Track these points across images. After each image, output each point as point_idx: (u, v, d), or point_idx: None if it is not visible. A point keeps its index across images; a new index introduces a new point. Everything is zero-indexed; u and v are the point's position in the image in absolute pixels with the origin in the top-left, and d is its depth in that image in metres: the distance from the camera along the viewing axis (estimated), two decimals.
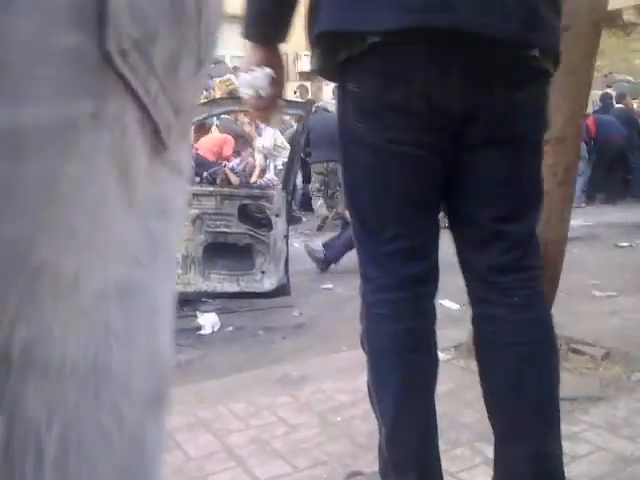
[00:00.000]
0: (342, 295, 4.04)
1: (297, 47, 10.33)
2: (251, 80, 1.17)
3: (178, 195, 0.38)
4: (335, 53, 1.13)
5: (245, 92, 1.19)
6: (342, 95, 1.18)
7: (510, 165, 1.17)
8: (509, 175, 1.18)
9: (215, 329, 3.47)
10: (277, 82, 1.20)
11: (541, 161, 1.24)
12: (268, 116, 1.28)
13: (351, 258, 5.23)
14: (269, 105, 1.22)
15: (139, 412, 0.34)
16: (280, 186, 4.11)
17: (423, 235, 1.22)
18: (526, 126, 1.16)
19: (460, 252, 1.26)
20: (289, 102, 4.02)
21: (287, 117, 7.24)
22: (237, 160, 7.52)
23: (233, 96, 4.80)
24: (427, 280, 1.23)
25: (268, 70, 1.17)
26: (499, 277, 1.21)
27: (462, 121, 1.12)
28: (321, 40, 1.13)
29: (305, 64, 12.02)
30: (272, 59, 1.20)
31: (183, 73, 0.35)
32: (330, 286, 4.40)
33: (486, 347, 1.25)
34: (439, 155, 1.16)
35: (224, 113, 5.36)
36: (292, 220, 5.21)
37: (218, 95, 7.44)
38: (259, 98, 1.19)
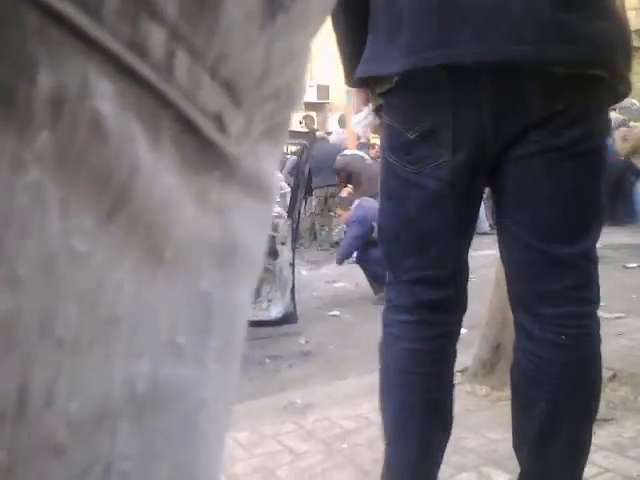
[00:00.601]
0: (349, 322, 4.04)
1: None
2: (358, 120, 1.38)
3: (254, 230, 0.25)
4: (374, 91, 1.25)
5: (358, 129, 1.41)
6: (382, 128, 1.26)
7: (556, 178, 1.11)
8: (556, 188, 1.11)
9: None
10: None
11: (599, 175, 1.15)
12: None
13: (358, 285, 5.24)
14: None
15: None
16: (285, 214, 4.14)
17: (445, 265, 1.22)
18: (569, 136, 1.10)
19: (507, 276, 1.22)
20: (292, 133, 4.07)
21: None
22: None
23: None
24: (444, 307, 1.23)
25: (369, 107, 1.34)
26: (547, 308, 1.14)
27: (496, 139, 1.12)
28: (361, 83, 1.26)
29: (311, 95, 12.16)
30: (369, 97, 1.32)
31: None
32: (337, 313, 4.39)
33: (525, 383, 1.21)
34: (465, 187, 1.17)
35: None
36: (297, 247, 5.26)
37: None
38: (375, 129, 1.36)
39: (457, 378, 2.47)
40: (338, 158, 6.27)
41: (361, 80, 1.24)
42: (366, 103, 1.33)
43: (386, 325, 1.27)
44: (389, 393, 1.25)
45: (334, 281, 5.53)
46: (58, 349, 0.18)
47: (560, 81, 1.06)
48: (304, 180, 4.22)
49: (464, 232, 1.23)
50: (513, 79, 1.07)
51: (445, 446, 1.28)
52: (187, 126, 0.20)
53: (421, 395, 1.22)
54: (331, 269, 5.91)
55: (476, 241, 1.42)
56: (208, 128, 0.20)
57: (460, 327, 1.28)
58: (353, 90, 1.39)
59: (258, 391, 2.85)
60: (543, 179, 1.11)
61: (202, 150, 0.21)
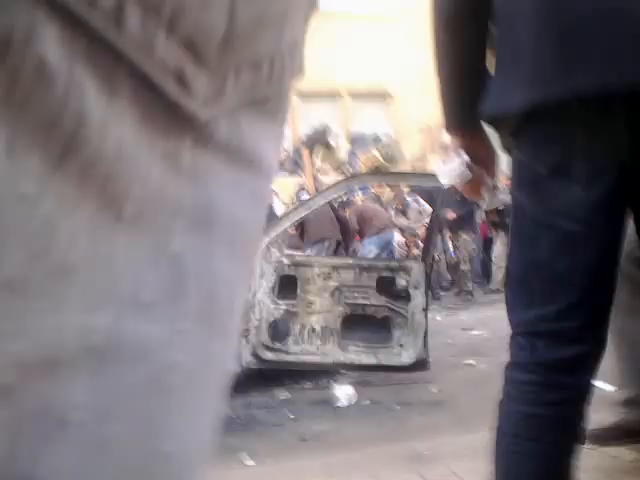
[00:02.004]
0: (485, 372, 3.85)
1: None
2: (445, 170, 1.27)
3: (240, 201, 0.25)
4: (502, 131, 1.18)
5: (444, 182, 1.30)
6: (512, 165, 1.19)
7: None
8: None
9: (352, 402, 3.45)
10: (481, 162, 1.27)
11: None
12: (477, 196, 1.34)
13: (496, 333, 5.00)
14: (476, 186, 1.29)
15: None
16: (420, 258, 4.09)
17: (577, 317, 1.11)
18: None
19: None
20: (427, 175, 4.05)
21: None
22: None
23: (375, 171, 4.93)
24: (571, 367, 1.11)
25: (463, 157, 1.25)
26: None
27: (636, 172, 1.04)
28: (489, 123, 1.19)
29: None
30: (469, 144, 1.26)
31: None
32: (472, 362, 4.21)
33: None
34: (602, 225, 1.08)
35: (363, 188, 5.51)
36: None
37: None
38: (463, 183, 1.27)
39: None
40: None
41: (486, 119, 1.18)
42: (458, 152, 1.26)
43: (505, 381, 1.18)
44: (501, 452, 1.14)
45: (471, 328, 5.34)
46: (4, 290, 0.18)
47: None
48: (438, 223, 4.15)
49: (603, 277, 1.12)
50: None
51: None
52: (147, 82, 0.20)
53: (536, 463, 1.11)
54: (467, 315, 5.72)
55: None
56: (168, 85, 0.20)
57: (591, 388, 1.16)
58: (449, 134, 1.31)
59: (385, 437, 2.78)
60: None
61: (169, 110, 0.21)
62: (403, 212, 7.96)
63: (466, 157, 1.25)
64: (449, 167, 1.26)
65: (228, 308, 0.26)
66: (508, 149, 1.22)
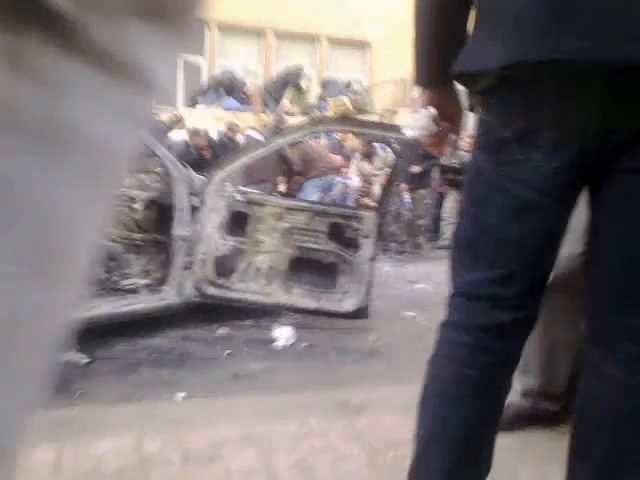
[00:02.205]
0: (424, 325, 3.91)
1: None
2: (412, 122, 1.27)
3: (107, 118, 0.21)
4: (471, 89, 1.16)
5: (409, 133, 1.29)
6: (476, 125, 1.17)
7: None
8: None
9: (289, 343, 3.46)
10: (447, 119, 1.27)
11: None
12: (439, 150, 1.34)
13: (439, 289, 5.07)
14: (439, 141, 1.29)
15: None
16: (375, 207, 4.07)
17: (519, 283, 1.10)
18: None
19: (586, 306, 1.13)
20: (391, 126, 3.99)
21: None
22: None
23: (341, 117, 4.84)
24: (509, 332, 1.12)
25: (430, 111, 1.25)
26: (626, 345, 1.05)
27: (602, 149, 1.01)
28: (459, 80, 1.17)
29: None
30: (438, 99, 1.25)
31: None
32: (413, 314, 4.28)
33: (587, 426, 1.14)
34: (558, 197, 1.06)
35: (325, 132, 5.41)
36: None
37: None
38: (427, 136, 1.26)
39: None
40: None
41: (457, 76, 1.14)
42: (427, 106, 1.25)
43: (438, 340, 1.17)
44: (426, 410, 1.16)
45: (416, 281, 5.40)
46: None
47: None
48: (396, 174, 4.12)
49: (549, 247, 1.11)
50: (629, 82, 0.95)
51: None
52: None
53: (458, 430, 1.12)
54: (414, 268, 5.79)
55: None
56: None
57: (521, 354, 1.16)
58: (417, 88, 1.30)
59: (317, 382, 2.81)
60: None
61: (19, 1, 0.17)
62: (368, 157, 7.91)
63: (433, 110, 1.25)
64: (415, 119, 1.26)
65: (68, 251, 0.21)
66: (473, 108, 1.19)
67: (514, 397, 2.04)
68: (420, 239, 7.56)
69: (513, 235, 1.08)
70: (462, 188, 1.23)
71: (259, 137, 7.59)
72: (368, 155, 7.94)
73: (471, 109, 1.21)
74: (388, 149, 7.67)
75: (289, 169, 6.99)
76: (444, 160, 6.61)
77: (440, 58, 1.18)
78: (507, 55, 1.00)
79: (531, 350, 1.94)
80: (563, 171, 1.03)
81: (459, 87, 1.23)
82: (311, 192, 6.93)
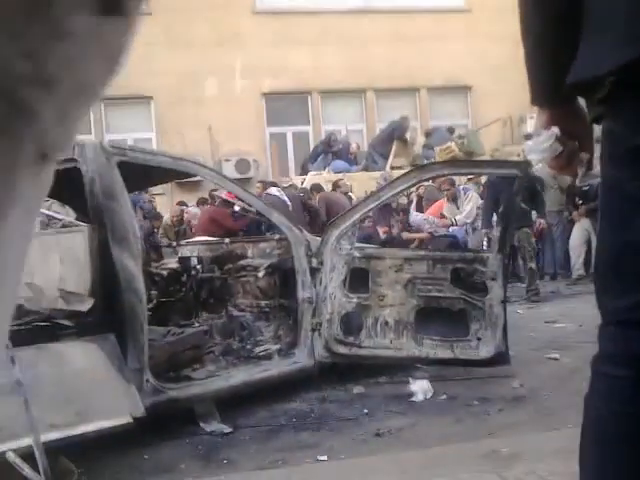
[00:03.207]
0: (570, 366, 3.66)
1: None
2: (532, 145, 1.19)
3: None
4: (591, 100, 1.07)
5: (532, 158, 1.23)
6: (602, 139, 1.08)
7: None
8: None
9: (427, 397, 3.35)
10: (574, 136, 1.18)
11: None
12: (570, 172, 1.29)
13: (582, 326, 4.75)
14: (567, 161, 1.20)
15: None
16: (496, 248, 3.92)
17: None
18: None
19: None
20: (501, 162, 3.89)
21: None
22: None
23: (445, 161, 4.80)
24: None
25: (552, 130, 1.16)
26: None
27: None
28: (575, 91, 1.10)
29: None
30: (559, 116, 1.17)
31: None
32: (556, 356, 4.01)
33: None
34: None
35: (433, 178, 5.37)
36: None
37: None
38: (554, 158, 1.18)
39: None
40: None
41: (572, 88, 1.06)
42: (548, 126, 1.16)
43: (593, 378, 1.06)
44: (587, 456, 1.04)
45: (554, 321, 5.10)
46: None
47: None
48: (513, 210, 3.98)
49: None
50: None
51: None
52: None
53: (628, 473, 1.00)
54: (550, 307, 5.47)
55: None
56: None
57: None
58: (536, 109, 1.22)
59: (462, 434, 2.68)
60: None
61: None
62: (454, 200, 7.75)
63: (556, 130, 1.15)
64: (537, 142, 1.17)
65: None
66: (595, 119, 1.10)
67: None
68: (537, 284, 6.83)
69: None
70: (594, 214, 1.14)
71: (279, 194, 7.26)
72: (454, 199, 7.78)
73: (594, 121, 1.12)
74: (473, 194, 7.51)
75: (314, 220, 6.95)
76: (577, 180, 6.15)
77: (554, 69, 1.11)
78: (624, 54, 0.92)
79: None
80: None
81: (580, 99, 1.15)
82: None
